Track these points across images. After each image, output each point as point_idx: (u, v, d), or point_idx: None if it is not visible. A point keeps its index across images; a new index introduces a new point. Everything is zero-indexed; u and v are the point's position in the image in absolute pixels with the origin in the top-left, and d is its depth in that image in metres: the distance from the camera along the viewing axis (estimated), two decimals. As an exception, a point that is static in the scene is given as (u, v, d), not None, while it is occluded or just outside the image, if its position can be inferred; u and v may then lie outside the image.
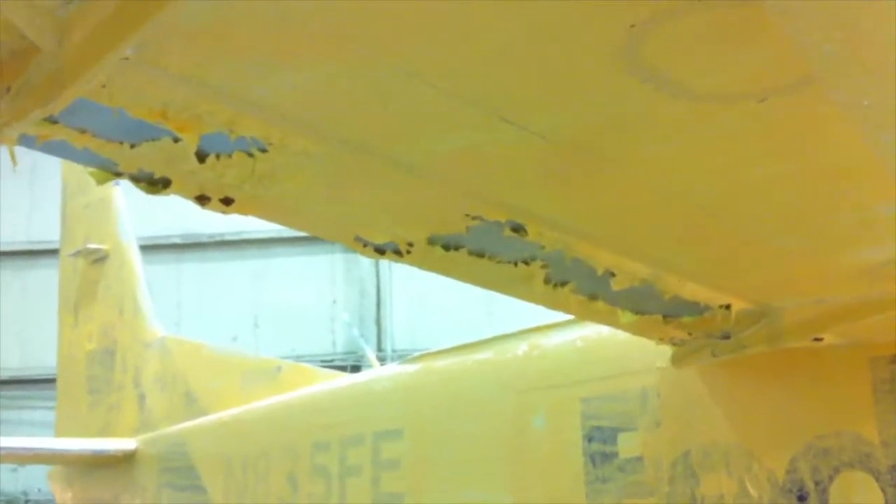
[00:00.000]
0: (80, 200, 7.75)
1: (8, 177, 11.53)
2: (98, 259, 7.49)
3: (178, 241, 12.74)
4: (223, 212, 1.95)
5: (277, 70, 1.45)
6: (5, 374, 13.28)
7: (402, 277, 12.59)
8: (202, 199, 1.92)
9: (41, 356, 12.30)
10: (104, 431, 6.91)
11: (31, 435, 9.74)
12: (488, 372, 3.62)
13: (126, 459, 6.12)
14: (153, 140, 1.68)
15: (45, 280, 12.69)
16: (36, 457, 7.11)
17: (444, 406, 3.75)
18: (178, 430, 5.79)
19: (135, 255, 7.37)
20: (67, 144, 1.70)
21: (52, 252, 11.93)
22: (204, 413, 5.79)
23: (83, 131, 1.65)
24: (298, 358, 7.88)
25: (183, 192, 1.89)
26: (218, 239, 13.07)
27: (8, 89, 1.46)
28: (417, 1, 1.25)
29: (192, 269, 13.17)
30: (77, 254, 7.62)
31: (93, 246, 7.48)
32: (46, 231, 12.50)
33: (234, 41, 1.36)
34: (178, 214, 10.68)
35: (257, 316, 12.98)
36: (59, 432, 7.61)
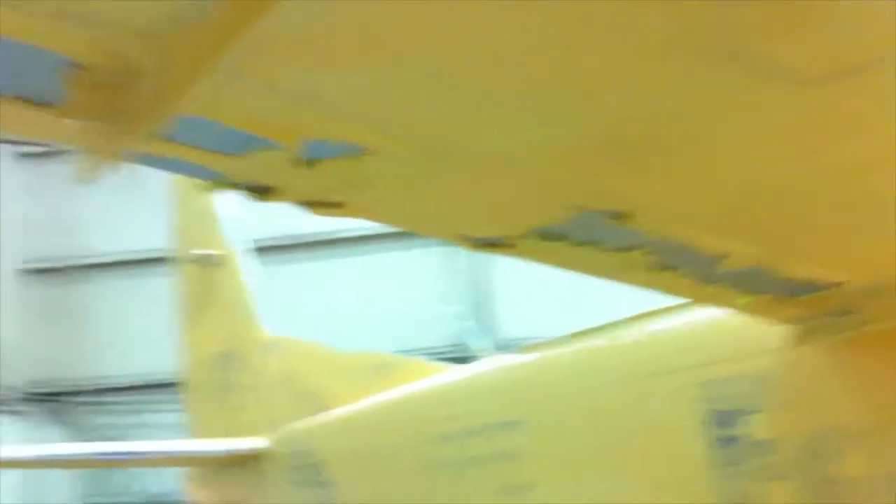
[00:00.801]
0: (188, 209, 8.01)
1: (112, 185, 11.96)
2: (210, 265, 7.72)
3: (283, 242, 13.01)
4: (332, 216, 1.99)
5: (375, 75, 1.47)
6: (131, 380, 13.81)
7: (507, 267, 12.56)
8: (312, 205, 1.96)
9: (162, 361, 12.78)
10: (232, 432, 7.14)
11: (158, 438, 10.12)
12: (603, 360, 3.60)
13: (257, 458, 6.30)
14: (259, 150, 1.71)
15: (159, 287, 13.21)
16: (174, 459, 7.41)
17: (561, 395, 3.74)
18: (304, 428, 5.94)
19: (244, 259, 7.59)
20: (175, 160, 1.76)
21: (161, 260, 12.39)
22: (324, 410, 5.91)
23: (190, 146, 1.70)
24: (406, 352, 7.98)
25: (291, 199, 1.94)
26: (319, 238, 13.31)
27: (116, 110, 1.51)
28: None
29: (298, 269, 13.44)
30: (191, 260, 7.87)
31: (204, 252, 7.72)
32: (155, 240, 12.99)
33: (332, 50, 1.39)
34: (281, 216, 10.85)
35: (362, 312, 13.16)
36: (193, 435, 7.88)
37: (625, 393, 3.35)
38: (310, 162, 1.76)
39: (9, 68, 1.47)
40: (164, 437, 10.25)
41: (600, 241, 2.16)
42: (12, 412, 13.46)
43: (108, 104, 1.50)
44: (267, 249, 11.59)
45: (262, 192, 1.90)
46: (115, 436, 12.98)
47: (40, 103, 1.54)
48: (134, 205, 13.29)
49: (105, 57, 1.42)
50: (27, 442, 12.82)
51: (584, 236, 2.12)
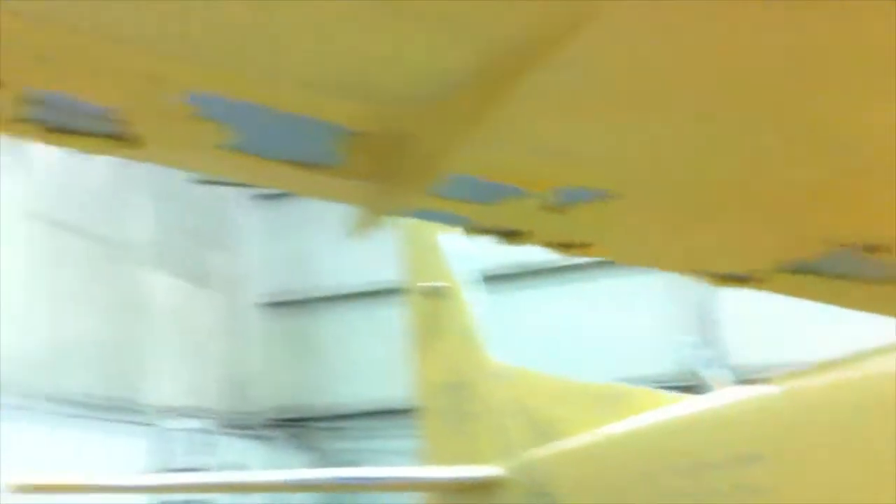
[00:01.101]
0: (415, 243, 8.32)
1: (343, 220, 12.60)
2: (438, 296, 7.97)
3: (509, 271, 13.17)
4: (578, 256, 2.06)
5: (629, 124, 1.53)
6: (365, 407, 14.38)
7: (734, 293, 12.15)
8: (559, 246, 2.04)
9: (393, 389, 13.28)
10: (463, 459, 7.31)
11: (391, 463, 10.49)
12: (859, 392, 3.42)
13: (491, 486, 6.42)
14: (511, 198, 1.80)
15: (388, 318, 13.75)
16: (411, 485, 7.68)
17: (809, 429, 3.60)
18: (538, 457, 6.00)
19: (470, 289, 7.79)
20: (432, 212, 1.88)
21: (389, 292, 12.86)
22: (556, 439, 5.95)
23: (446, 198, 1.81)
24: (631, 380, 7.89)
25: (539, 242, 2.02)
26: (545, 266, 13.38)
27: (388, 171, 1.65)
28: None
29: (524, 297, 13.57)
30: (419, 292, 8.17)
31: (432, 284, 7.99)
32: (382, 273, 13.57)
33: (588, 104, 1.46)
34: (503, 248, 11.01)
35: (586, 339, 13.11)
36: (426, 461, 8.13)
37: (882, 428, 3.17)
38: (559, 207, 1.83)
39: (288, 136, 1.64)
40: (396, 462, 10.65)
41: (854, 273, 2.09)
42: (258, 437, 14.34)
43: (381, 166, 1.63)
44: (493, 278, 11.81)
45: (511, 235, 1.99)
46: (351, 460, 13.59)
47: (316, 166, 1.69)
48: (362, 240, 13.92)
49: (379, 124, 1.56)
50: (272, 465, 13.63)
51: (836, 270, 2.07)
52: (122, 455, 11.02)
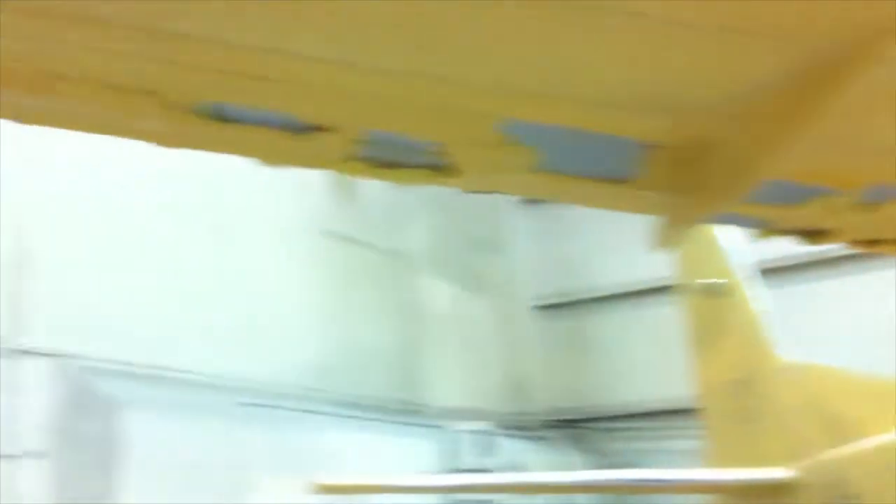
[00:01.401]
0: (693, 240, 8.15)
1: (611, 220, 12.64)
2: (717, 293, 7.78)
3: (794, 262, 12.59)
4: (885, 253, 1.99)
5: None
6: (642, 407, 14.24)
7: None
8: (865, 244, 1.98)
9: (670, 388, 13.07)
10: (750, 460, 7.09)
11: (670, 464, 10.33)
12: None
13: (782, 489, 6.19)
14: (817, 198, 1.78)
15: (662, 316, 13.55)
16: (697, 487, 7.55)
17: None
18: (836, 458, 5.71)
19: (752, 284, 7.54)
20: (734, 217, 1.88)
21: (662, 290, 12.62)
22: (853, 439, 5.64)
23: (752, 203, 1.81)
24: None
25: (843, 240, 1.97)
26: (833, 255, 12.68)
27: (690, 182, 1.68)
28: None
29: (809, 290, 12.94)
30: (696, 290, 8.00)
31: (710, 281, 7.80)
32: (654, 271, 13.39)
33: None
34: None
35: (879, 332, 12.27)
36: (708, 463, 7.96)
37: None
38: (870, 205, 1.79)
39: (592, 154, 1.71)
40: (675, 463, 10.47)
41: None
42: (538, 438, 14.57)
43: (683, 177, 1.67)
44: (776, 270, 11.35)
45: (815, 235, 1.96)
46: (629, 461, 13.51)
47: (618, 180, 1.76)
48: (632, 239, 13.84)
49: (682, 136, 1.60)
50: (550, 466, 13.80)
51: None
52: (410, 456, 11.57)
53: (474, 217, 14.67)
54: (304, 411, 10.45)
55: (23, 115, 1.49)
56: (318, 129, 1.53)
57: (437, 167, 1.68)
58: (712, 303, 7.84)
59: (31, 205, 8.72)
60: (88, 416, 8.77)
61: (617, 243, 14.30)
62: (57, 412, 8.64)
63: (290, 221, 11.21)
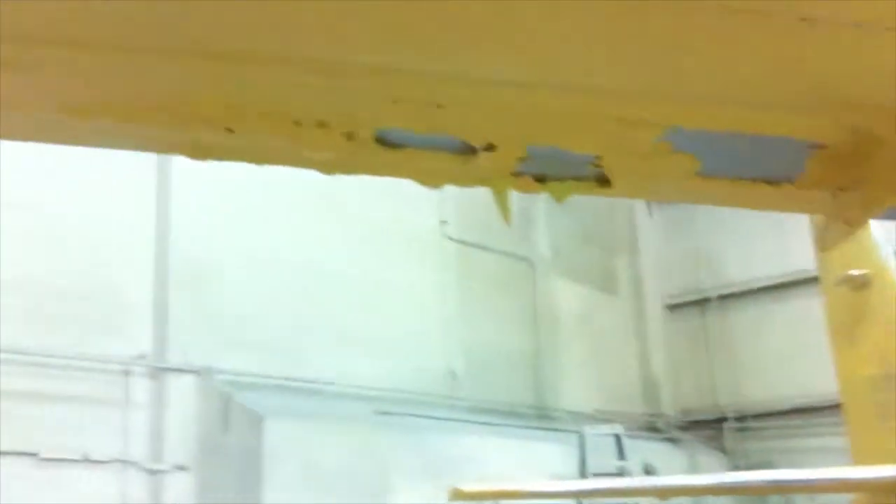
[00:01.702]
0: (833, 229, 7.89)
1: (740, 216, 12.40)
2: (861, 285, 7.51)
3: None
4: None
5: None
6: (777, 405, 13.89)
7: None
8: None
9: (806, 385, 12.70)
10: (893, 458, 6.82)
11: (806, 464, 10.02)
12: None
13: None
14: None
15: (795, 311, 13.19)
16: (839, 486, 7.30)
17: None
18: None
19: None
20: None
21: (795, 284, 12.22)
22: None
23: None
24: None
25: None
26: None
27: (854, 179, 1.66)
28: None
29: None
30: (840, 282, 7.74)
31: (855, 273, 7.54)
32: (787, 265, 13.06)
33: None
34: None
35: None
36: (855, 461, 7.69)
37: None
38: None
39: (754, 157, 1.70)
40: (814, 462, 10.15)
41: None
42: (669, 440, 14.36)
43: (845, 175, 1.65)
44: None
45: None
46: (764, 461, 13.18)
47: (780, 181, 1.74)
48: (764, 232, 13.53)
49: (845, 134, 1.57)
50: (684, 468, 13.58)
51: None
52: (544, 461, 11.56)
53: (603, 218, 14.58)
54: (439, 418, 10.57)
55: (201, 152, 1.58)
56: (484, 148, 1.57)
57: (596, 179, 1.70)
58: (855, 295, 7.58)
59: (175, 227, 9.09)
60: (231, 428, 9.07)
61: (747, 238, 14.03)
62: (201, 426, 8.97)
63: (421, 230, 11.39)
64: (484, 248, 12.19)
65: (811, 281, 11.98)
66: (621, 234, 15.25)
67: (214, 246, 9.27)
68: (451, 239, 11.74)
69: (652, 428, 14.33)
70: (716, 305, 14.89)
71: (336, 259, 10.28)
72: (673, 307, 15.31)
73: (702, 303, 15.06)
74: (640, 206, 15.18)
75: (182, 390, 8.93)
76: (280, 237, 9.83)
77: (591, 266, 14.29)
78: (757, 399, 14.26)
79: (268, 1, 1.22)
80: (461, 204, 11.46)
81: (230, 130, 1.47)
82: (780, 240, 13.38)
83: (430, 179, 1.70)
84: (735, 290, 14.66)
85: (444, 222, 11.67)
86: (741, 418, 14.44)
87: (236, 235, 9.46)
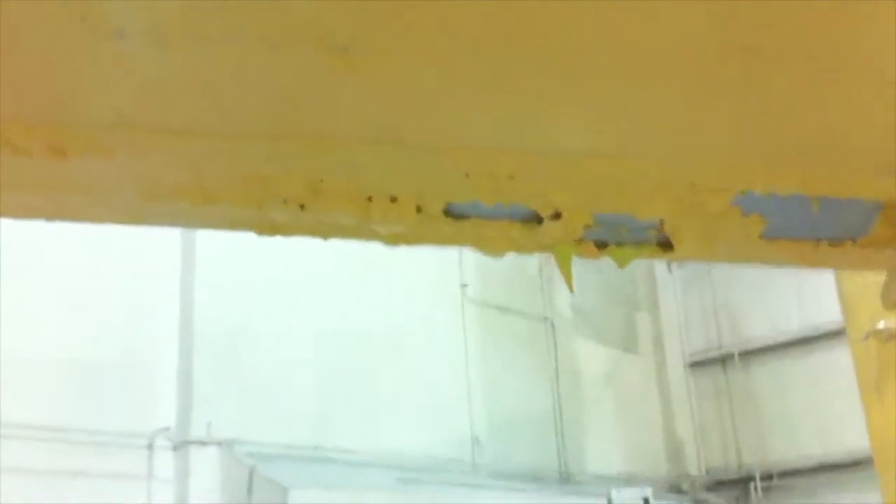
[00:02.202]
0: (859, 282, 7.85)
1: (778, 271, 12.35)
2: (890, 337, 7.44)
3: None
4: None
5: None
6: (804, 463, 13.68)
7: None
8: None
9: (834, 441, 12.53)
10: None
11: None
12: None
13: None
14: None
15: (819, 365, 13.08)
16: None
17: None
18: None
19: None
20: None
21: (817, 338, 12.11)
22: None
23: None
24: None
25: None
26: None
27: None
28: None
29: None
30: (868, 335, 7.68)
31: (882, 325, 7.48)
32: (809, 319, 12.98)
33: None
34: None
35: None
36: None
37: None
38: None
39: (812, 217, 1.70)
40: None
41: None
42: (696, 501, 14.14)
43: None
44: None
45: None
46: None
47: (844, 240, 1.75)
48: (784, 285, 13.48)
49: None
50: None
51: None
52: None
53: (623, 275, 14.55)
54: (463, 484, 10.45)
55: (270, 229, 1.59)
56: (551, 216, 1.58)
57: (660, 243, 1.71)
58: (884, 348, 7.51)
59: (199, 299, 9.11)
60: (255, 500, 8.98)
61: (767, 292, 13.96)
62: (225, 498, 8.88)
63: (442, 294, 11.38)
64: (505, 309, 12.17)
65: (834, 335, 11.90)
66: (641, 291, 15.20)
67: (237, 318, 9.27)
68: (472, 302, 11.72)
69: (677, 489, 14.11)
70: (738, 362, 14.77)
71: (358, 327, 10.26)
72: (695, 365, 15.17)
73: (724, 360, 14.92)
74: (659, 262, 15.17)
75: (206, 462, 8.86)
76: (300, 308, 9.83)
77: (612, 325, 14.23)
78: (783, 457, 14.06)
79: (345, 83, 1.25)
80: (481, 266, 11.47)
81: (302, 207, 1.49)
82: (801, 293, 13.31)
83: (493, 248, 1.71)
84: (757, 345, 14.54)
85: (464, 285, 11.67)
86: (767, 477, 14.22)
87: (259, 307, 9.47)
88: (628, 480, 12.75)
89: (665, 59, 1.21)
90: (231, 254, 8.83)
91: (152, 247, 8.73)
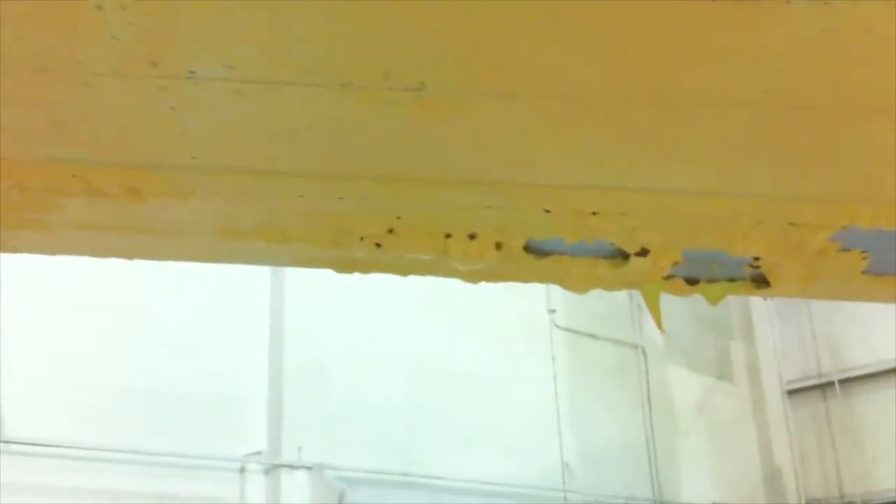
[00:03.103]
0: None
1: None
2: None
3: None
4: None
5: None
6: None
7: None
8: None
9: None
10: None
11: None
12: None
13: None
14: None
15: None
16: None
17: None
18: None
19: None
20: None
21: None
22: None
23: None
24: None
25: None
26: None
27: None
28: None
29: None
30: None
31: None
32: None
33: None
34: None
35: None
36: None
37: None
38: None
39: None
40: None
41: None
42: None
43: None
44: None
45: None
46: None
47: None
48: (883, 311, 13.01)
49: None
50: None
51: None
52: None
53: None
54: (552, 513, 10.32)
55: (349, 266, 1.57)
56: (637, 253, 1.52)
57: (751, 279, 1.63)
58: None
59: (290, 327, 9.23)
60: (344, 524, 9.00)
61: (866, 319, 13.50)
62: (315, 522, 8.93)
63: (530, 321, 11.31)
64: (594, 336, 12.01)
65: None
66: (735, 318, 14.85)
67: (327, 345, 9.34)
68: (560, 328, 11.59)
69: (777, 520, 13.70)
70: (843, 389, 14.29)
71: (446, 354, 10.24)
72: (793, 392, 14.73)
73: (823, 387, 14.46)
74: (752, 288, 14.81)
75: (296, 487, 8.93)
76: (388, 336, 9.86)
77: (705, 352, 13.92)
78: (885, 486, 13.55)
79: (419, 123, 1.21)
80: (569, 292, 11.32)
81: (378, 245, 1.46)
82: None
83: (578, 285, 1.66)
84: (858, 373, 14.06)
85: (552, 311, 11.55)
86: (875, 508, 13.73)
87: (348, 334, 9.53)
88: (724, 511, 12.44)
89: (766, 99, 1.15)
90: (319, 284, 8.91)
91: (243, 279, 8.88)
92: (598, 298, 11.91)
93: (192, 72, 1.12)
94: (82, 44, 1.07)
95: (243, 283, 8.90)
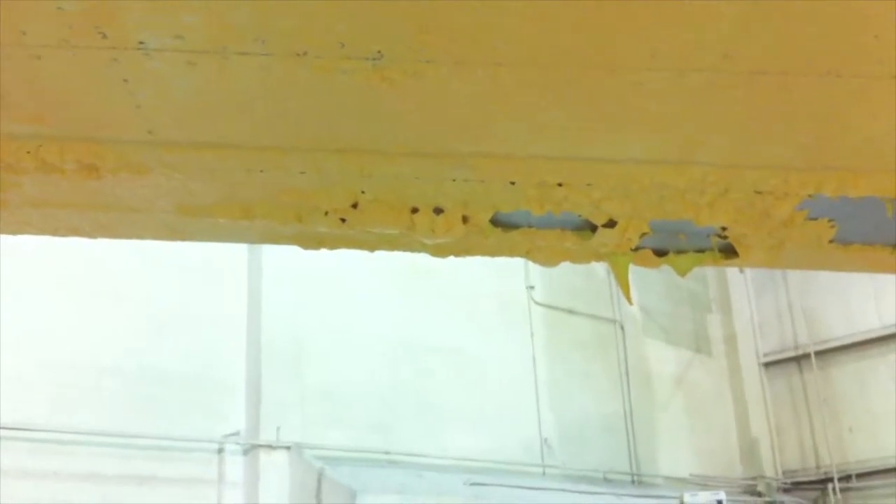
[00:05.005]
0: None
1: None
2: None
3: None
4: None
5: None
6: (884, 464, 13.36)
7: None
8: None
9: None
10: None
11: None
12: None
13: None
14: None
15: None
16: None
17: None
18: None
19: None
20: None
21: None
22: None
23: None
24: None
25: None
26: None
27: None
28: None
29: None
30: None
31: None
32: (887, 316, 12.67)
33: None
34: None
35: None
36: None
37: None
38: None
39: (881, 221, 1.60)
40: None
41: None
42: (771, 503, 13.84)
43: None
44: None
45: None
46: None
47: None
48: (860, 283, 13.12)
49: None
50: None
51: None
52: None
53: (692, 276, 14.31)
54: (533, 487, 10.36)
55: (314, 242, 1.55)
56: (605, 225, 1.51)
57: (719, 249, 1.63)
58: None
59: (267, 307, 9.18)
60: (325, 503, 9.00)
61: (842, 291, 13.61)
62: (294, 502, 8.92)
63: (508, 298, 11.32)
64: (572, 312, 12.04)
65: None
66: (712, 292, 14.93)
67: (305, 324, 9.31)
68: (538, 304, 11.62)
69: (753, 492, 13.81)
70: (815, 361, 14.42)
71: (425, 331, 10.24)
72: (769, 365, 14.86)
73: (799, 359, 14.59)
74: (728, 262, 14.88)
75: (275, 466, 8.91)
76: (367, 313, 9.85)
77: (682, 326, 14.00)
78: (862, 457, 13.71)
79: (379, 94, 1.19)
80: (547, 268, 11.32)
81: (343, 220, 1.44)
82: (876, 291, 12.96)
83: (546, 258, 1.65)
84: (834, 344, 14.18)
85: (530, 287, 11.57)
86: (846, 478, 13.86)
87: (326, 313, 9.50)
88: (701, 483, 12.53)
89: (726, 64, 1.13)
90: (297, 263, 8.88)
91: (220, 259, 8.83)
92: (575, 273, 11.93)
93: (141, 42, 1.09)
94: (27, 15, 1.04)
95: (220, 262, 8.85)
